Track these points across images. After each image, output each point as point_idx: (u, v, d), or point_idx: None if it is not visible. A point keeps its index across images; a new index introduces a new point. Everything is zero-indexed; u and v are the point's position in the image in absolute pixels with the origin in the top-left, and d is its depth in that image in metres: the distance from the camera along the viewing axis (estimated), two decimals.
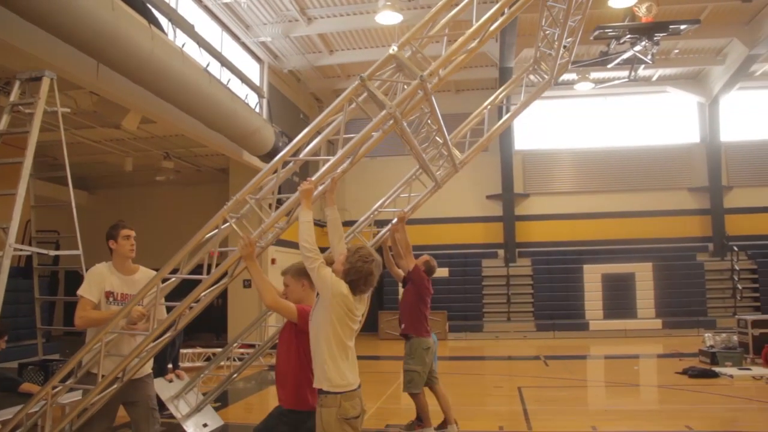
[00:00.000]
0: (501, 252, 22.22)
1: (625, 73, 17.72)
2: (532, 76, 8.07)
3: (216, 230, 4.68)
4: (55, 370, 6.37)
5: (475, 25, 4.67)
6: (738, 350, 12.72)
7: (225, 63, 13.43)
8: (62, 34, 8.39)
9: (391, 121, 4.41)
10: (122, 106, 11.91)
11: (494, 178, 22.21)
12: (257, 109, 15.88)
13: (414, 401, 7.32)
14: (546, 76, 7.93)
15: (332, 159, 4.57)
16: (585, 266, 21.18)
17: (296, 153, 4.78)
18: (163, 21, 10.99)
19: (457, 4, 5.00)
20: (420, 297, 7.39)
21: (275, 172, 4.73)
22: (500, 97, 8.14)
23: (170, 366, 8.49)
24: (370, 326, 4.68)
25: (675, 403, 9.99)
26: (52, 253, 8.00)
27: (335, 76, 20.79)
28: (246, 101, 14.19)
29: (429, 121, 6.32)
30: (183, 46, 11.11)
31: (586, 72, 18.98)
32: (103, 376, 4.70)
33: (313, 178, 4.39)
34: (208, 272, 4.65)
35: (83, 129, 14.16)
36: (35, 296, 8.37)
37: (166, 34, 10.73)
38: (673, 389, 10.91)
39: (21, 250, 7.01)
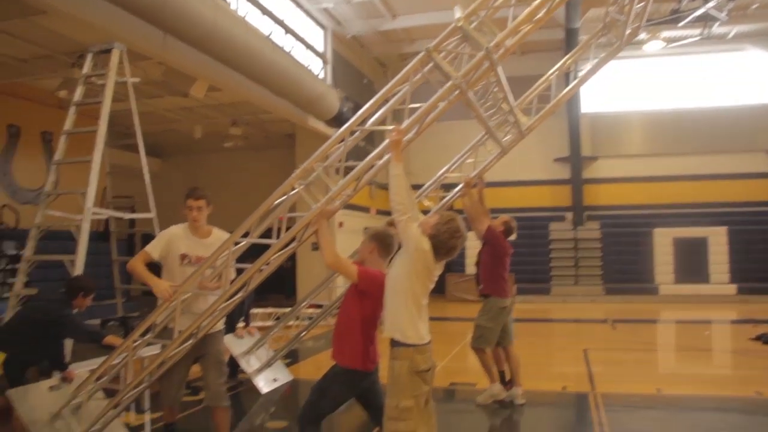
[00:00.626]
0: (569, 215, 21.96)
1: (698, 30, 17.06)
2: (601, 39, 7.83)
3: (285, 197, 4.77)
4: (134, 326, 6.73)
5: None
6: None
7: (288, 30, 13.55)
8: (130, 6, 8.65)
9: (457, 92, 4.37)
10: (189, 75, 12.19)
11: (561, 141, 21.83)
12: (321, 75, 16.02)
13: (478, 357, 7.31)
14: (615, 41, 7.70)
15: (382, 145, 4.53)
16: (655, 230, 20.71)
17: (363, 122, 4.80)
18: None
19: None
20: (497, 258, 7.34)
21: (342, 140, 4.76)
22: (568, 63, 7.96)
23: (242, 324, 8.76)
24: (438, 288, 4.78)
25: (746, 368, 9.78)
26: (127, 216, 8.35)
27: (399, 40, 20.66)
28: (309, 68, 14.31)
29: (495, 89, 6.24)
30: (246, 15, 11.29)
31: (657, 31, 18.31)
32: (179, 332, 4.94)
33: (402, 126, 4.31)
34: (278, 236, 4.75)
35: (153, 98, 14.59)
36: (113, 258, 8.76)
37: (229, 4, 10.92)
38: (745, 355, 10.67)
39: (98, 214, 7.32)
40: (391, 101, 4.82)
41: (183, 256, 5.22)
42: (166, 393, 5.41)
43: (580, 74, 7.78)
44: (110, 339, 5.74)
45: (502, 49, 4.44)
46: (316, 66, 15.90)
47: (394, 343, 4.12)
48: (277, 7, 14.84)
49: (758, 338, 11.60)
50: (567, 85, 7.75)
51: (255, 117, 17.18)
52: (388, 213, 6.11)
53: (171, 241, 5.23)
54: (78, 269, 6.54)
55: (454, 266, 19.51)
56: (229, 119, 17.30)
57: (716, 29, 18.40)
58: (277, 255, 4.76)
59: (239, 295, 4.88)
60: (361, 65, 20.61)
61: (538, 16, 4.47)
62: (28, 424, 5.14)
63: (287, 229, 4.73)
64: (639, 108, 22.09)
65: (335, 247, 4.48)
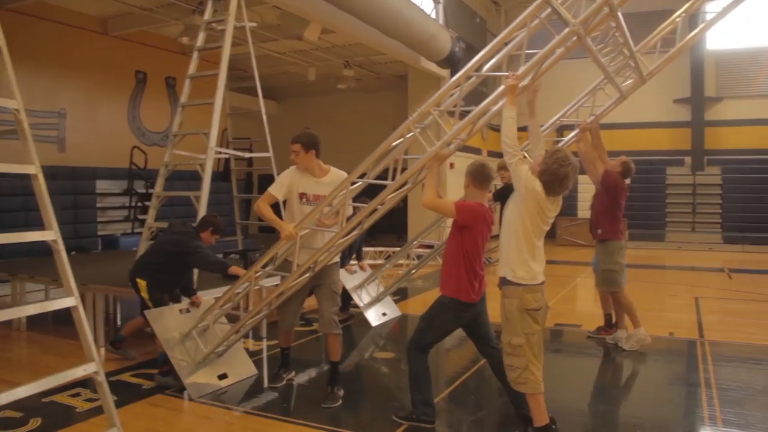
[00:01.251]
0: (688, 159, 21.06)
1: None
2: None
3: (401, 139, 4.93)
4: (254, 259, 7.23)
5: None
6: None
7: None
8: None
9: (575, 38, 4.33)
10: (303, 18, 12.47)
11: (683, 81, 20.74)
12: (433, 15, 15.92)
13: (614, 300, 7.38)
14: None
15: (498, 90, 4.53)
16: None
17: (479, 68, 4.84)
18: None
19: None
20: (614, 201, 7.27)
21: (458, 86, 4.83)
22: (696, 4, 7.58)
23: (354, 261, 9.13)
24: (549, 232, 4.79)
25: None
26: (247, 155, 8.80)
27: None
28: (421, 8, 14.25)
29: (615, 34, 6.09)
30: None
31: None
32: (298, 265, 5.29)
33: (519, 72, 4.33)
34: (393, 178, 4.94)
35: (268, 42, 15.04)
36: (233, 194, 9.29)
37: None
38: None
39: (220, 153, 7.78)
40: (508, 47, 4.86)
41: (302, 195, 5.51)
42: (284, 320, 5.82)
43: (708, 16, 7.42)
44: (235, 269, 6.17)
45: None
46: (428, 6, 15.80)
47: (504, 282, 4.28)
48: None
49: None
50: (693, 27, 7.41)
51: (367, 59, 17.40)
52: (499, 155, 6.18)
53: (291, 181, 5.52)
54: (202, 205, 7.04)
55: (566, 210, 19.14)
56: (342, 61, 17.55)
57: None
58: (392, 196, 4.97)
59: (355, 232, 5.15)
60: (474, 4, 20.25)
61: None
62: (162, 342, 5.73)
63: (402, 170, 4.92)
64: None
65: (437, 190, 4.65)
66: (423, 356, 4.81)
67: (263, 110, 8.59)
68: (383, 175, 4.97)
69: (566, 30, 4.22)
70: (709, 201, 20.56)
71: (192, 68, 8.04)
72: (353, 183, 5.09)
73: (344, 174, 5.67)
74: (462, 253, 4.63)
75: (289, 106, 22.66)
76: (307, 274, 5.31)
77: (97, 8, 13.42)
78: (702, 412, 5.28)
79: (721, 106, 21.09)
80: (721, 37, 20.74)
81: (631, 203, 7.79)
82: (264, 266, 5.59)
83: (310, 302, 5.87)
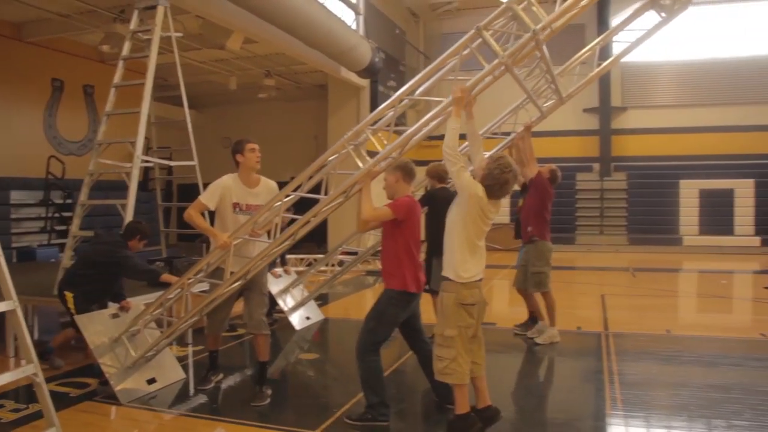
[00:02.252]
0: (596, 166, 22.20)
1: None
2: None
3: (335, 155, 5.20)
4: (179, 266, 7.37)
5: None
6: None
7: None
8: None
9: (503, 68, 4.67)
10: (226, 28, 12.62)
11: (591, 92, 21.76)
12: (354, 26, 16.30)
13: (545, 300, 7.84)
14: (663, 15, 7.97)
15: (445, 101, 4.94)
16: (682, 181, 20.95)
17: (412, 93, 5.10)
18: None
19: None
20: (543, 203, 7.75)
21: (392, 107, 5.09)
22: (610, 35, 8.25)
23: (279, 265, 9.32)
24: None
25: (755, 314, 10.28)
26: (173, 163, 8.87)
27: None
28: (342, 19, 14.61)
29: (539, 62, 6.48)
30: None
31: None
32: (231, 273, 5.47)
33: (467, 85, 4.64)
34: (326, 192, 5.20)
35: (190, 51, 15.03)
36: (158, 203, 9.37)
37: None
38: (757, 302, 11.11)
39: (147, 161, 7.88)
40: (440, 72, 5.20)
41: (235, 205, 5.69)
42: (213, 324, 6.04)
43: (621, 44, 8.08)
44: (166, 277, 6.29)
45: (548, 30, 4.66)
46: (349, 17, 16.17)
47: (444, 279, 4.56)
48: None
49: None
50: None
51: (288, 68, 17.59)
52: (419, 163, 6.52)
53: (224, 191, 5.68)
54: (129, 213, 7.12)
55: None
56: (263, 71, 17.71)
57: None
58: (325, 209, 5.26)
59: (287, 242, 5.42)
60: (393, 15, 20.75)
61: (584, 2, 4.69)
62: (92, 347, 5.82)
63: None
64: (670, 58, 21.93)
65: (371, 202, 4.89)
66: (376, 357, 4.98)
67: (188, 119, 8.70)
68: (318, 188, 5.23)
69: (495, 61, 4.60)
70: (616, 205, 21.74)
71: (117, 77, 8.11)
72: (289, 195, 5.34)
73: (274, 183, 5.95)
74: (403, 246, 4.92)
75: (210, 114, 22.58)
76: (239, 282, 5.54)
77: (11, 13, 13.10)
78: (604, 394, 5.81)
79: (626, 115, 22.33)
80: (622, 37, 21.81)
81: None
82: (196, 274, 5.78)
83: (235, 308, 6.10)
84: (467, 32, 4.72)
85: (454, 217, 4.55)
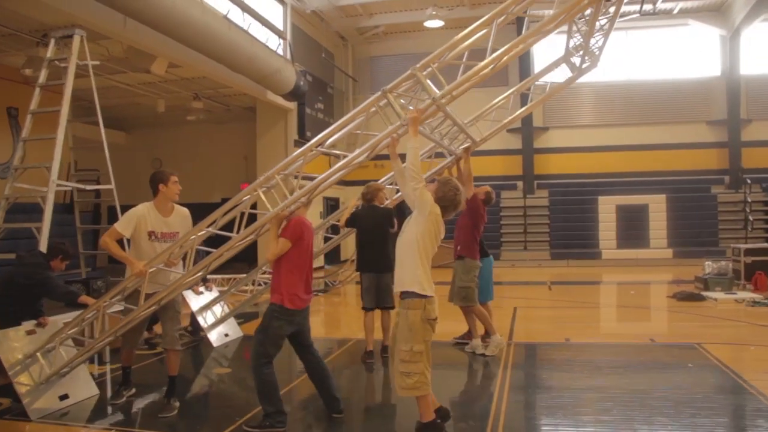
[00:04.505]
0: (520, 184, 23.05)
1: (647, 7, 17.88)
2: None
3: (247, 197, 5.56)
4: (95, 287, 7.58)
5: (488, 58, 5.05)
6: (727, 277, 13.48)
7: (244, 8, 14.18)
8: None
9: (406, 126, 4.97)
10: (150, 53, 12.85)
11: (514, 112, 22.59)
12: (280, 50, 16.68)
13: (474, 313, 8.15)
14: (573, 72, 8.68)
15: (351, 155, 5.35)
16: (600, 197, 21.96)
17: (322, 144, 5.49)
18: None
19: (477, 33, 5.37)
20: (475, 224, 8.13)
21: (302, 156, 5.48)
22: (526, 84, 8.90)
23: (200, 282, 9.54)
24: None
25: (650, 321, 11.04)
26: (88, 188, 9.07)
27: (357, 14, 21.37)
28: (267, 43, 14.97)
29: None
30: None
31: (605, 6, 19.10)
32: (145, 299, 5.72)
33: (420, 107, 5.01)
34: (239, 230, 5.56)
35: (117, 74, 15.21)
36: (77, 225, 9.55)
37: None
38: (656, 311, 11.88)
39: (62, 185, 8.08)
40: (347, 127, 5.63)
41: (150, 233, 5.95)
42: (128, 340, 6.32)
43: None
44: (84, 298, 6.52)
45: (449, 96, 5.11)
46: (277, 42, 16.53)
47: (410, 295, 4.70)
48: None
49: (674, 296, 12.78)
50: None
51: (216, 91, 17.85)
52: (347, 183, 6.90)
53: (139, 219, 5.91)
54: (44, 236, 7.32)
55: None
56: (191, 93, 17.92)
57: (663, 4, 19.42)
58: (237, 245, 5.61)
59: (200, 273, 5.75)
60: (322, 39, 21.25)
61: (484, 72, 5.08)
62: (5, 364, 5.95)
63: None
64: (589, 80, 22.90)
65: (277, 242, 5.26)
66: (268, 368, 5.25)
67: (105, 144, 8.94)
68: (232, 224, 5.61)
69: (398, 122, 5.04)
70: (539, 221, 22.63)
71: (34, 104, 8.31)
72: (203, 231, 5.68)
73: (186, 211, 6.26)
74: (287, 264, 5.29)
75: (139, 136, 22.55)
76: (153, 307, 5.85)
77: None
78: (494, 396, 6.33)
79: (548, 135, 23.30)
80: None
81: None
82: (113, 297, 6.05)
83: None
84: (395, 54, 5.16)
85: (412, 235, 4.71)
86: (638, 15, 17.94)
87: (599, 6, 6.73)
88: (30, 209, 11.45)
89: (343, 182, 21.63)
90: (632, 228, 21.51)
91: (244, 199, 5.59)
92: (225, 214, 5.64)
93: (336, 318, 12.86)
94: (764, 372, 7.13)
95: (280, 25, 17.82)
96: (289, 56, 16.98)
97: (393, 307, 7.66)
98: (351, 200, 8.67)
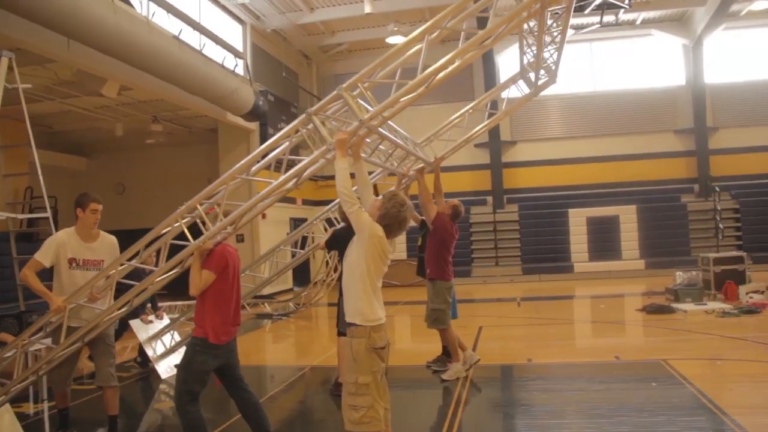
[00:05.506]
0: (489, 199, 22.85)
1: (609, 17, 17.83)
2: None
3: (169, 228, 5.24)
4: (29, 322, 7.17)
5: (420, 77, 4.73)
6: (698, 287, 13.27)
7: (198, 28, 13.88)
8: (24, 12, 8.95)
9: (333, 152, 4.63)
10: (100, 76, 12.49)
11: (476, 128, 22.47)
12: (239, 70, 16.38)
13: (443, 336, 7.93)
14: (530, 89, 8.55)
15: (276, 181, 5.07)
16: (570, 210, 21.80)
17: (248, 172, 5.22)
18: None
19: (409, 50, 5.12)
20: (443, 243, 7.88)
21: (224, 185, 5.23)
22: (482, 102, 8.75)
23: (149, 307, 9.17)
24: None
25: (620, 337, 10.74)
26: (20, 216, 8.69)
27: (319, 33, 21.16)
28: (224, 63, 14.66)
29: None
30: (153, 15, 11.65)
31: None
32: (66, 335, 5.38)
33: (349, 129, 4.69)
34: (158, 263, 5.29)
35: (70, 98, 14.77)
36: (13, 256, 9.14)
37: (132, 6, 11.27)
38: (625, 325, 11.64)
39: None
40: (274, 153, 5.33)
41: (71, 260, 5.62)
42: (56, 382, 5.93)
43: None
44: (2, 336, 6.18)
45: (378, 118, 4.83)
46: (237, 62, 16.24)
47: (352, 324, 4.33)
48: (194, 4, 15.25)
49: (643, 309, 12.56)
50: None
51: (175, 114, 17.46)
52: (315, 203, 6.62)
53: (59, 247, 5.60)
54: None
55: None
56: (150, 116, 17.52)
57: (625, 15, 19.38)
58: (159, 279, 5.28)
59: (124, 309, 5.41)
60: (284, 58, 20.98)
61: (416, 93, 4.78)
62: None
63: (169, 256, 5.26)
64: (555, 92, 22.82)
65: (200, 275, 4.96)
66: (194, 406, 4.93)
67: (39, 170, 8.54)
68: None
69: (323, 147, 4.76)
70: (510, 236, 22.40)
71: None
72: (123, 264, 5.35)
73: (113, 238, 5.92)
74: (210, 296, 4.98)
75: (100, 161, 21.98)
76: (77, 344, 5.47)
77: None
78: (448, 415, 6.14)
79: (515, 149, 23.16)
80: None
81: None
82: (33, 334, 5.66)
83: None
84: (359, 72, 4.86)
85: (355, 259, 4.36)
86: (599, 26, 17.86)
87: (542, 19, 6.54)
88: None
89: (311, 202, 21.49)
90: (604, 240, 21.34)
91: (164, 231, 5.27)
92: (148, 245, 5.33)
93: (305, 343, 12.48)
94: (728, 389, 6.92)
95: (239, 45, 17.56)
96: (251, 75, 16.67)
97: None
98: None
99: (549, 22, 7.00)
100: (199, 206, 5.22)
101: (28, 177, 11.31)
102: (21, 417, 6.43)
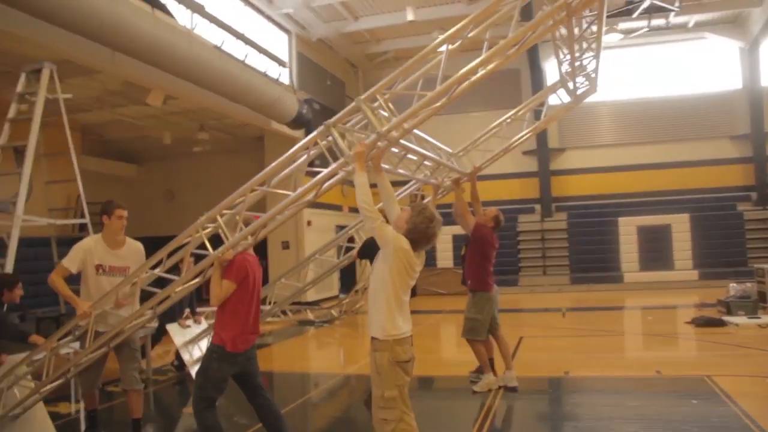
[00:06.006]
0: (537, 207, 22.49)
1: (660, 21, 17.40)
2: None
3: (190, 238, 5.27)
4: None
5: (439, 88, 4.54)
6: (752, 300, 12.73)
7: (241, 37, 14.03)
8: (69, 26, 9.17)
9: (351, 166, 4.60)
10: (144, 86, 12.73)
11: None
12: (283, 79, 16.49)
13: (472, 348, 7.71)
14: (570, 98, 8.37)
15: (295, 193, 5.00)
16: (620, 219, 21.25)
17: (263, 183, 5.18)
18: (172, 4, 11.71)
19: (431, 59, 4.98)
20: (483, 254, 7.74)
21: (243, 197, 5.17)
22: (521, 112, 8.59)
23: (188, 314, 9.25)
24: None
25: (664, 351, 10.34)
26: (59, 222, 8.84)
27: (365, 41, 21.21)
28: (267, 72, 14.77)
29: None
30: (195, 27, 11.83)
31: (613, 23, 18.69)
32: (93, 339, 5.42)
33: (367, 141, 4.60)
34: (181, 270, 5.23)
35: (118, 107, 15.11)
36: (55, 260, 9.36)
37: (173, 17, 11.47)
38: (670, 338, 11.23)
39: (28, 220, 7.86)
40: (294, 165, 5.30)
41: (98, 267, 5.71)
42: (84, 384, 6.03)
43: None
44: (34, 338, 6.27)
45: (399, 129, 4.69)
46: (282, 71, 16.37)
47: (374, 339, 4.30)
48: (239, 15, 15.45)
49: (692, 321, 12.12)
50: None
51: (220, 122, 17.66)
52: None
53: (86, 254, 5.69)
54: (9, 270, 7.10)
55: (425, 261, 19.81)
56: (197, 124, 17.79)
57: (676, 19, 18.91)
58: (180, 288, 5.27)
59: (147, 316, 5.45)
60: (331, 67, 21.07)
61: (438, 104, 4.62)
62: None
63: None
64: (605, 99, 22.35)
65: (221, 285, 4.94)
66: (211, 412, 4.95)
67: (78, 177, 8.70)
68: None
69: (341, 160, 4.67)
70: (558, 245, 21.97)
71: (3, 139, 8.13)
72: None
73: (139, 245, 5.98)
74: (229, 304, 4.97)
75: (150, 169, 22.44)
76: (103, 349, 5.53)
77: None
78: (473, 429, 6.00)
79: (564, 156, 22.74)
80: (561, 92, 22.31)
81: None
82: (62, 338, 5.74)
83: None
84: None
85: (379, 273, 4.31)
86: (648, 30, 17.41)
87: (571, 26, 6.33)
88: (38, 243, 11.31)
89: (354, 209, 21.45)
90: (655, 249, 20.71)
91: (186, 240, 5.27)
92: (170, 254, 5.33)
93: (347, 351, 12.43)
94: None
95: (285, 54, 17.70)
96: (296, 84, 16.76)
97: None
98: None
99: (584, 26, 6.79)
100: (219, 217, 5.22)
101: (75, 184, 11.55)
102: (56, 416, 6.61)
